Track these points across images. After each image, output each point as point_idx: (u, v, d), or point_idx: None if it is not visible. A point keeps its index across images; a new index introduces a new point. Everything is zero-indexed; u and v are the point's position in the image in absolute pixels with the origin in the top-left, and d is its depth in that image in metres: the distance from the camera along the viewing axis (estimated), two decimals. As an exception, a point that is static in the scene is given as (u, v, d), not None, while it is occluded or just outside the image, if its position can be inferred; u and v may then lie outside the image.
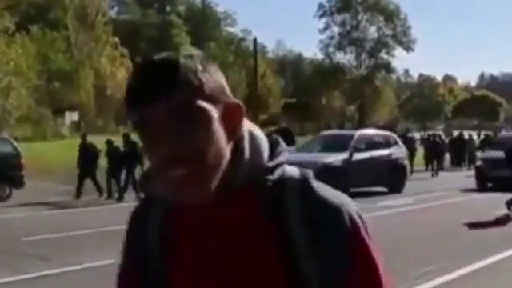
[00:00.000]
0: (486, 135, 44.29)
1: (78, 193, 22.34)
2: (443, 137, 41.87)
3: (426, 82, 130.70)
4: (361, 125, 70.93)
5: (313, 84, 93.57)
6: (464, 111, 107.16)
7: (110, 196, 22.57)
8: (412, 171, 33.44)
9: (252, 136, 1.60)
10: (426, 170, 34.79)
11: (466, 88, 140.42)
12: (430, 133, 42.89)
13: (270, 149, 1.62)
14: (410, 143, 33.79)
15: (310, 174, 1.62)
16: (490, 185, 24.68)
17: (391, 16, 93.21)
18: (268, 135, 1.65)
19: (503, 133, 35.48)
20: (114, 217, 15.82)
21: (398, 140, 26.20)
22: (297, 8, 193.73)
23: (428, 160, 35.26)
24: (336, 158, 21.97)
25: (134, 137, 23.94)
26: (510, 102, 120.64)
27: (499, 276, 9.72)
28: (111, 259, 10.53)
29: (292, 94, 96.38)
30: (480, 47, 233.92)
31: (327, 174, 20.72)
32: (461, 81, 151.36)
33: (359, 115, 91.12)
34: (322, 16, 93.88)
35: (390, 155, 24.24)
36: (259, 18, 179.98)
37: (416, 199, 21.07)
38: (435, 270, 9.66)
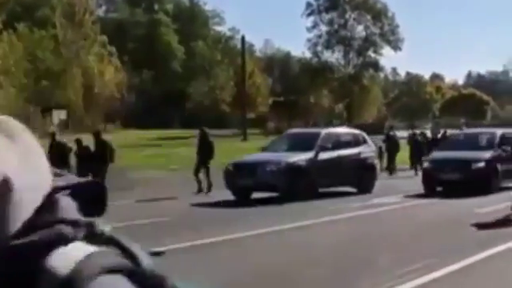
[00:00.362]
0: None
1: None
2: (428, 135, 41.86)
3: (413, 80, 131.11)
4: (349, 123, 71.15)
5: (301, 83, 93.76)
6: (451, 110, 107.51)
7: None
8: (396, 170, 33.58)
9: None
10: (411, 168, 34.79)
11: (454, 86, 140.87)
12: (417, 131, 42.83)
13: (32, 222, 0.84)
14: (393, 141, 33.87)
15: (96, 266, 0.80)
16: (439, 189, 22.66)
17: (379, 15, 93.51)
18: (51, 194, 0.88)
19: (456, 131, 32.83)
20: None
21: (368, 138, 25.08)
22: (285, 7, 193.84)
23: (412, 158, 35.17)
24: (300, 158, 21.30)
25: (105, 136, 23.71)
26: (497, 101, 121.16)
27: (486, 273, 9.80)
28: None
29: (280, 93, 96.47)
30: (467, 46, 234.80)
31: (291, 173, 20.43)
32: (448, 79, 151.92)
33: (347, 114, 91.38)
34: (309, 15, 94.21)
35: (358, 154, 23.46)
36: (247, 16, 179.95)
37: (402, 198, 21.11)
38: (421, 267, 9.74)
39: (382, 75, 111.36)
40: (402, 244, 12.41)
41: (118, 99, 72.61)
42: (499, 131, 24.70)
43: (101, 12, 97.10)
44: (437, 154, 24.31)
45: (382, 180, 25.36)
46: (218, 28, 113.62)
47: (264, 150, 23.79)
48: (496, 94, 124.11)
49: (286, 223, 14.58)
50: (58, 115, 61.38)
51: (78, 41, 69.19)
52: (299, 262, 10.73)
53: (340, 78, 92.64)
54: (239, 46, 62.12)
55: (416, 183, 27.35)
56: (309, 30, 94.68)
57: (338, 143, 23.08)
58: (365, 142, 24.51)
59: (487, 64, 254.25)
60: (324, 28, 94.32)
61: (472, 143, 23.50)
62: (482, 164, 21.79)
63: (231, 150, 23.46)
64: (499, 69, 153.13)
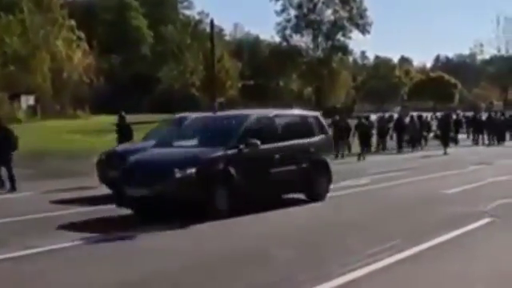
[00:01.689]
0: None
1: None
2: (372, 119, 42.17)
3: (382, 63, 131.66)
4: (318, 107, 71.42)
5: (270, 66, 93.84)
6: (420, 93, 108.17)
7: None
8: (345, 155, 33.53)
9: None
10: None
11: (422, 70, 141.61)
12: (365, 115, 42.89)
13: None
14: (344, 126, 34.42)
15: None
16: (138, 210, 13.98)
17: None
18: None
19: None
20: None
21: None
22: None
23: (360, 143, 34.51)
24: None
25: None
26: (465, 84, 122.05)
27: (454, 253, 9.93)
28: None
29: (250, 77, 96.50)
30: (435, 29, 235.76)
31: None
32: (416, 62, 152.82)
33: (316, 97, 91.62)
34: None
35: None
36: (216, 0, 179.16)
37: (373, 179, 21.29)
38: (389, 248, 9.85)
39: (350, 59, 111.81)
40: (369, 225, 12.54)
41: (87, 84, 72.15)
42: (254, 114, 15.57)
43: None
44: (133, 157, 14.86)
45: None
46: (187, 12, 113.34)
47: (145, 137, 20.25)
48: (464, 77, 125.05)
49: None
50: (27, 101, 61.00)
51: (45, 25, 68.54)
52: (268, 245, 10.84)
53: (309, 62, 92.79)
54: (208, 29, 61.93)
55: (389, 164, 27.75)
56: (278, 13, 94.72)
57: None
58: None
59: (455, 47, 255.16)
60: (293, 12, 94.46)
61: (203, 135, 15.37)
62: (191, 170, 13.10)
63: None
64: (467, 52, 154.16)
